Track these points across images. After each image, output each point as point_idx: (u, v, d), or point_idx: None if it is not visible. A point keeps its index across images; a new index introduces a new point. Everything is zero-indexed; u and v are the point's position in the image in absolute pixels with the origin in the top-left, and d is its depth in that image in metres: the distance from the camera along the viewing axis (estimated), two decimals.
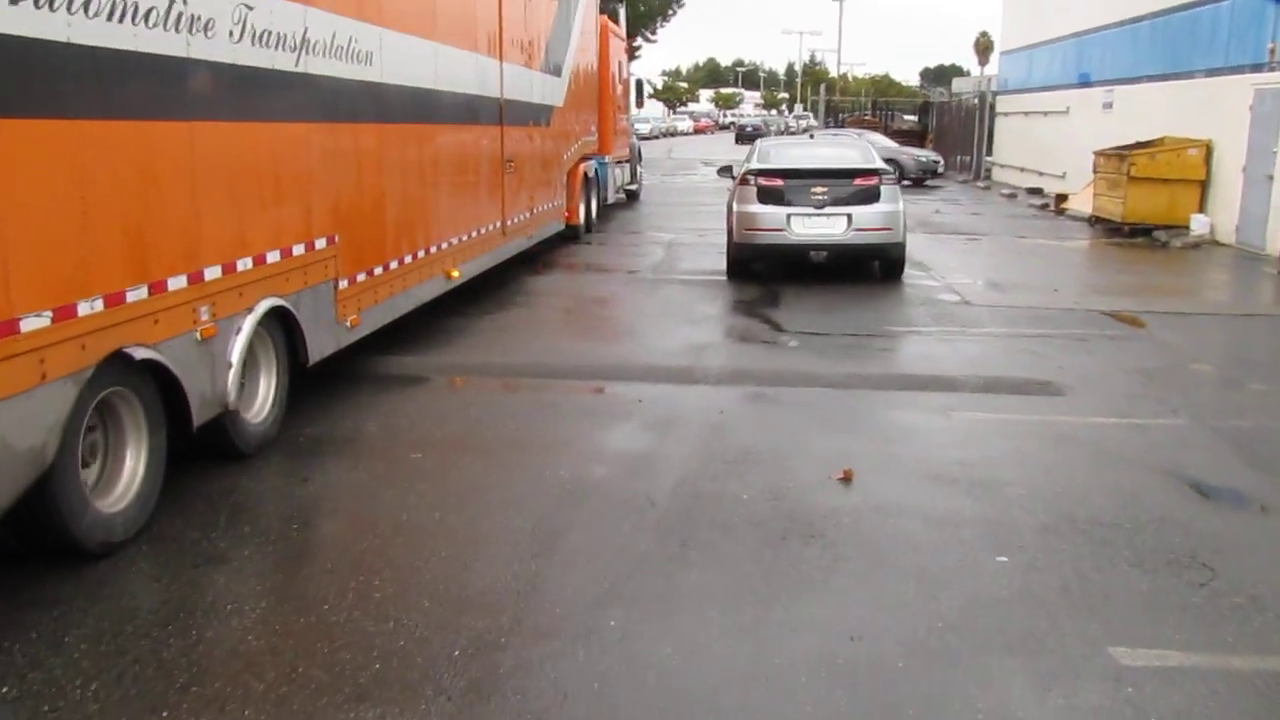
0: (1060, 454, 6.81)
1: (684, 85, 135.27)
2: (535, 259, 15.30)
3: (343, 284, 7.93)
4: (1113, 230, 19.68)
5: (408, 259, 9.32)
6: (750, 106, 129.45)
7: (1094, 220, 20.84)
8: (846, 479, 6.22)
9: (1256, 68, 17.57)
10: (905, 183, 31.06)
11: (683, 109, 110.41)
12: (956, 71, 76.80)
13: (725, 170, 16.61)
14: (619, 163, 23.10)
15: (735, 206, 13.67)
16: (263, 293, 6.69)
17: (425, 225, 9.81)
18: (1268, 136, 16.93)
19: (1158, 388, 8.50)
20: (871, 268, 14.12)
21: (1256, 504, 6.01)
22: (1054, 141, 27.72)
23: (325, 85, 7.56)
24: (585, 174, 18.37)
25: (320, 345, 7.60)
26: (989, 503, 5.90)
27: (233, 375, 6.31)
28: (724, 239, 14.65)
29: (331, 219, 7.71)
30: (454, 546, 5.35)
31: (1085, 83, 26.13)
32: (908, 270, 14.05)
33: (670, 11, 61.06)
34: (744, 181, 13.68)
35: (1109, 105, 24.28)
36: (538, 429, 7.36)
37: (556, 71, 15.71)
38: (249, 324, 6.48)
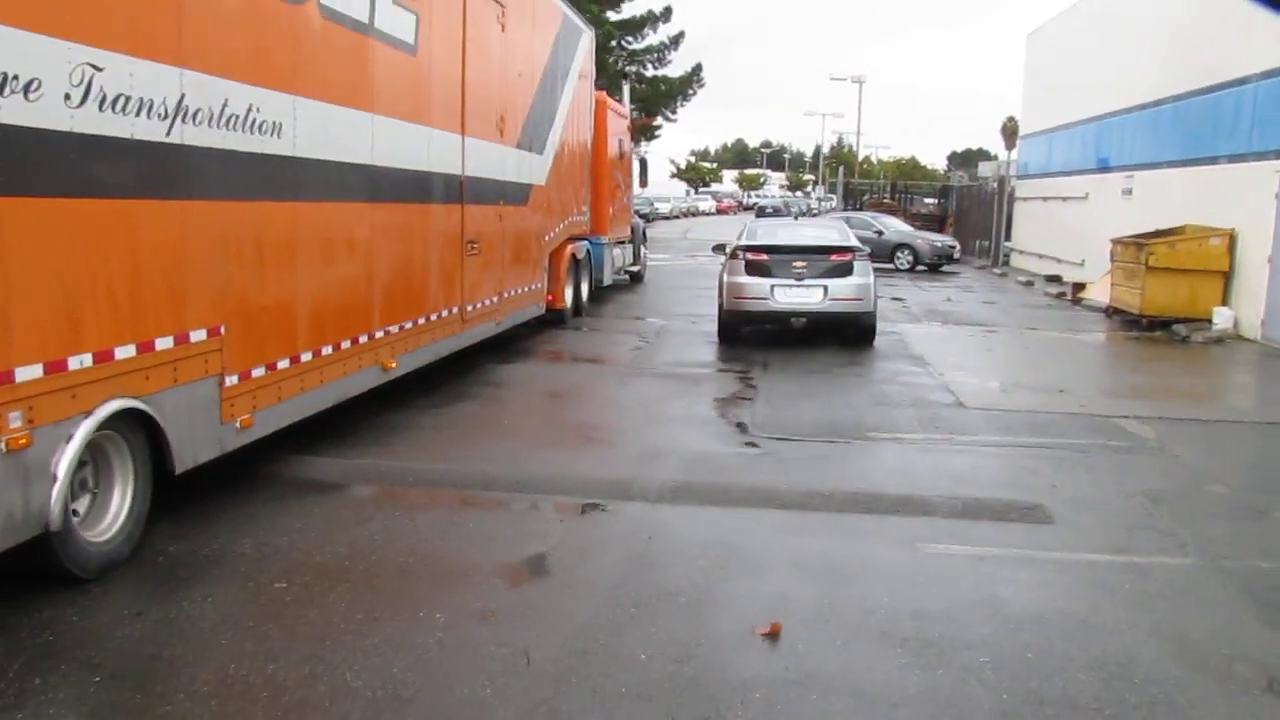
0: (1039, 604, 5.70)
1: (708, 165, 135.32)
2: (509, 345, 14.38)
3: (230, 380, 6.99)
4: (1130, 323, 18.60)
5: (326, 350, 8.38)
6: (775, 188, 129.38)
7: (1111, 312, 19.77)
8: (773, 634, 5.15)
9: None
10: (920, 268, 30.41)
11: (705, 189, 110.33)
12: (984, 155, 76.40)
13: (719, 248, 17.45)
14: (618, 243, 22.30)
15: (726, 278, 15.18)
16: (109, 393, 5.75)
17: (352, 312, 8.88)
18: None
19: (1164, 515, 7.39)
20: (861, 358, 13.17)
21: (1273, 682, 4.88)
22: (1072, 228, 26.77)
23: (209, 159, 6.66)
24: (574, 256, 17.50)
25: (195, 451, 6.64)
26: (942, 673, 4.80)
27: (56, 491, 5.35)
28: (714, 325, 15.91)
29: (215, 308, 6.78)
30: (272, 713, 4.32)
31: (1105, 168, 25.23)
32: (902, 366, 13.31)
33: (691, 91, 60.75)
34: (734, 256, 15.19)
35: (1129, 191, 23.33)
36: (434, 555, 6.34)
37: (538, 148, 14.90)
38: (83, 430, 5.52)
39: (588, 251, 18.96)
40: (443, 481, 7.98)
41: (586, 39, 18.36)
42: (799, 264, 14.64)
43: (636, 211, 55.67)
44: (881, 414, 10.59)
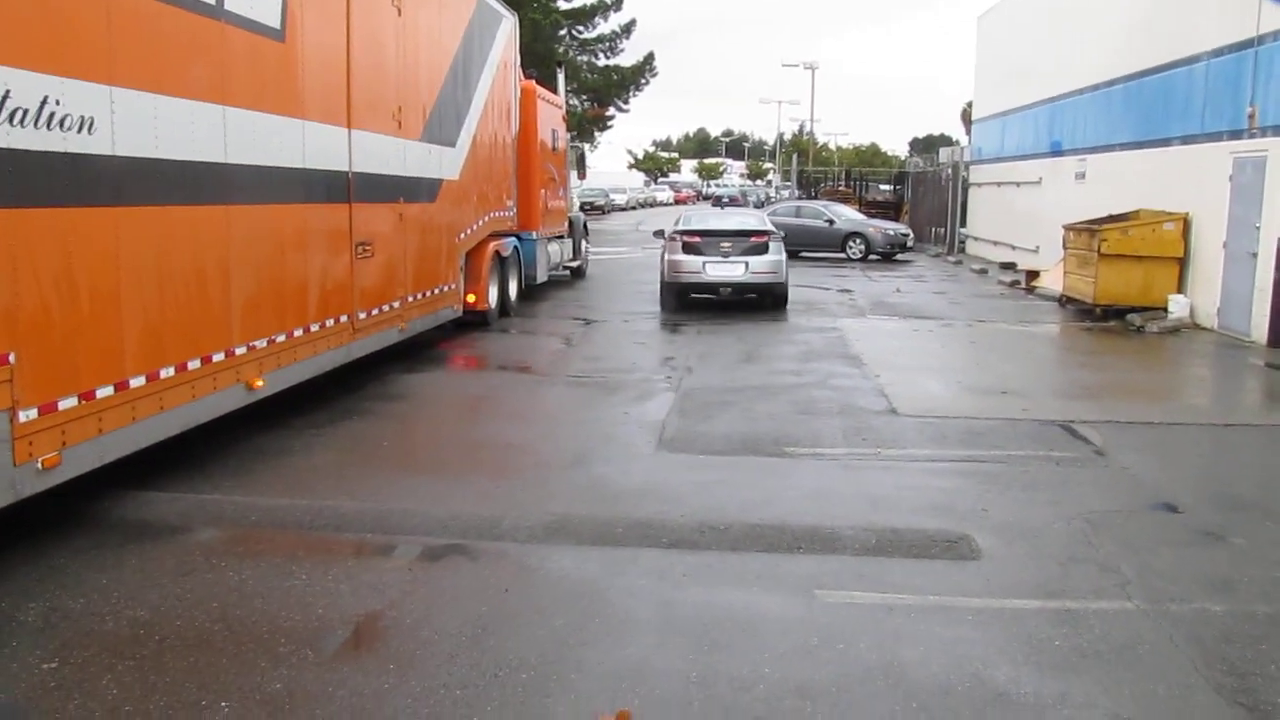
0: (949, 672, 4.78)
1: (666, 155, 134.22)
2: (421, 351, 13.42)
3: (26, 415, 5.97)
4: (1084, 312, 17.82)
5: (166, 372, 7.36)
6: (735, 176, 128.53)
7: (1064, 300, 18.99)
8: None
9: (1235, 134, 15.83)
10: (873, 257, 29.62)
11: (664, 179, 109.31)
12: (945, 141, 75.94)
13: (659, 233, 20.34)
14: (553, 238, 21.33)
15: (667, 257, 18.34)
16: None
17: (201, 328, 7.86)
18: (1250, 209, 15.14)
19: (1106, 544, 6.51)
20: (793, 361, 12.27)
21: None
22: (1026, 213, 26.04)
23: None
24: (497, 253, 16.50)
25: None
26: None
27: None
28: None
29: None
30: None
31: (1058, 151, 24.50)
32: (836, 368, 12.62)
33: (644, 80, 59.69)
34: (673, 239, 18.34)
35: (1082, 175, 22.58)
36: (247, 619, 5.36)
37: (447, 141, 13.90)
38: None
39: (515, 248, 18.00)
40: (291, 521, 7.00)
41: (508, 24, 17.38)
42: (725, 244, 17.92)
43: (589, 203, 55.16)
44: (804, 425, 9.68)
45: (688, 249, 17.93)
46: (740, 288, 18.24)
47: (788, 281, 18.62)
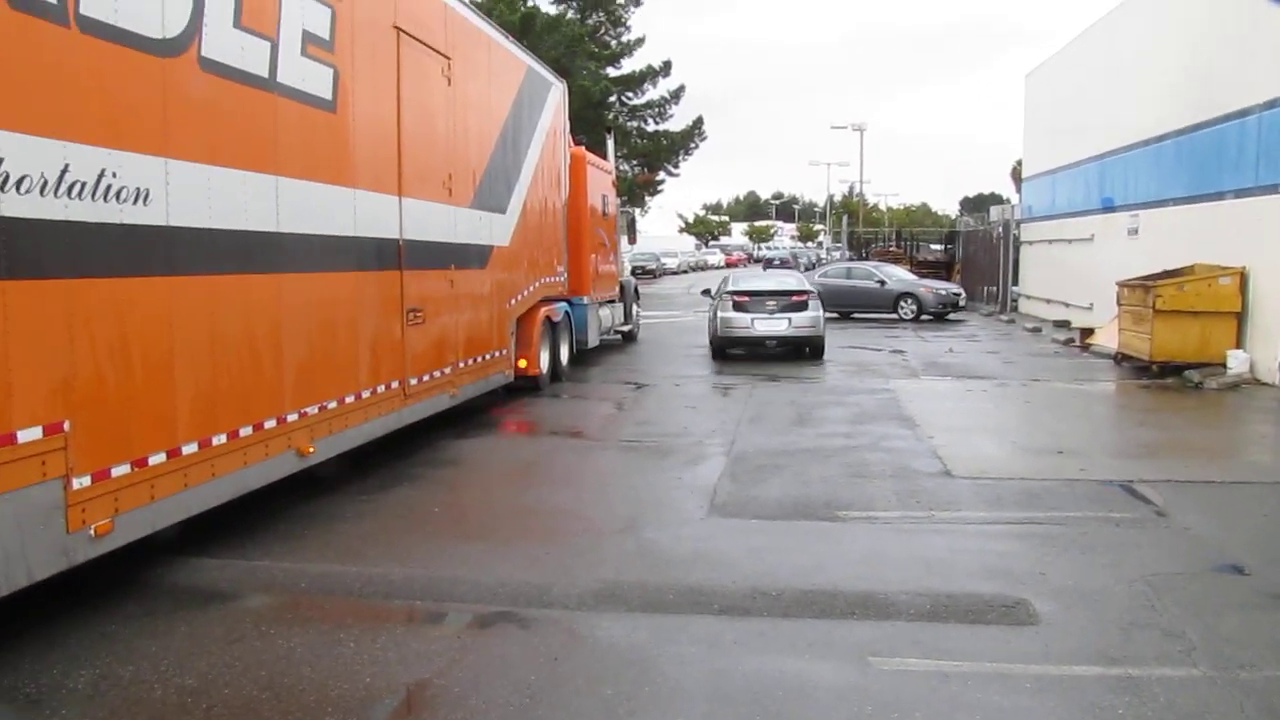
0: None
1: (717, 219, 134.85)
2: (472, 416, 13.46)
3: (80, 482, 6.04)
4: (1140, 369, 17.54)
5: (218, 439, 7.42)
6: (786, 238, 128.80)
7: (1120, 358, 18.71)
8: None
9: None
10: (925, 317, 29.41)
11: (715, 243, 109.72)
12: (996, 200, 75.75)
13: (706, 292, 23.90)
14: (604, 303, 21.37)
15: (719, 314, 20.75)
16: None
17: (254, 395, 7.94)
18: None
19: (1169, 608, 6.33)
20: (846, 424, 12.17)
21: None
22: (1079, 271, 25.79)
23: (41, 232, 5.76)
24: (548, 318, 16.54)
25: (27, 568, 5.67)
26: None
27: None
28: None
29: (54, 401, 5.86)
30: None
31: (1109, 208, 24.30)
32: (890, 430, 12.51)
33: (693, 145, 60.21)
34: (723, 298, 20.86)
35: (1134, 231, 22.36)
36: (295, 687, 5.33)
37: (498, 208, 14.03)
38: None
39: (566, 313, 18.03)
40: (341, 588, 6.99)
41: (557, 92, 17.57)
42: (770, 303, 20.42)
43: (640, 268, 55.38)
44: (857, 488, 9.56)
45: (737, 307, 20.43)
46: (784, 340, 20.58)
47: (825, 334, 20.94)
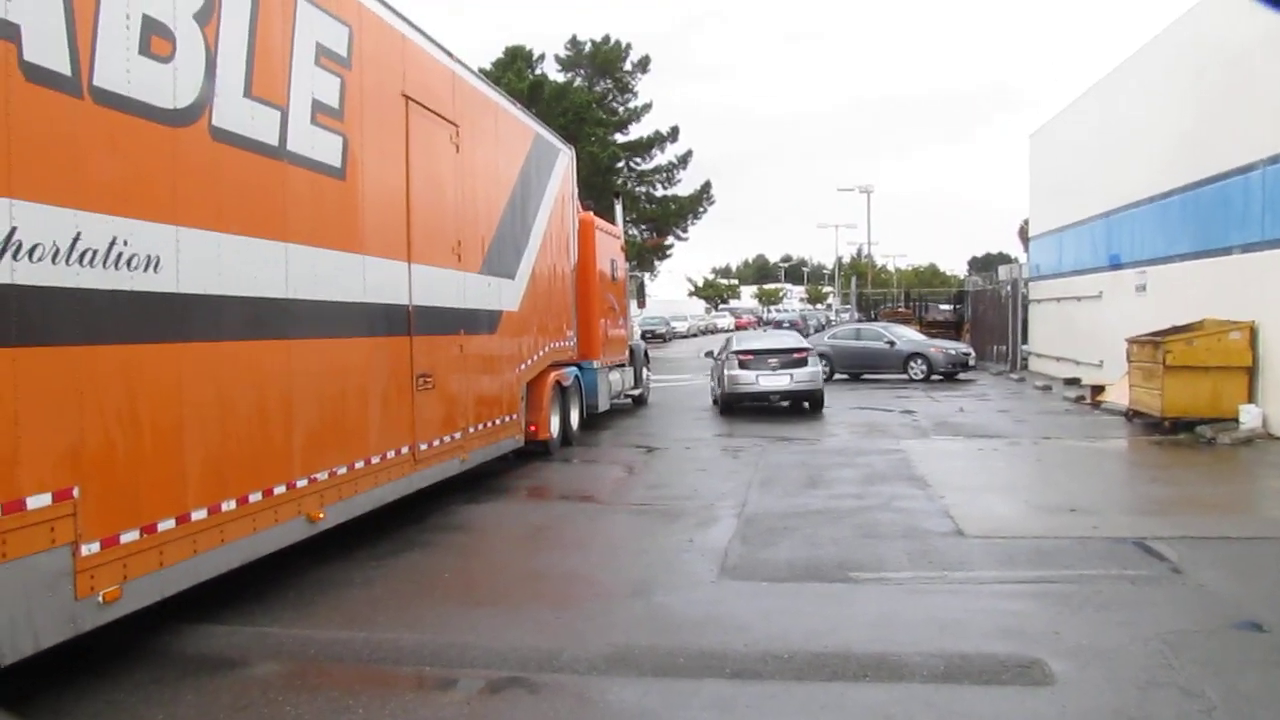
0: None
1: (726, 282, 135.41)
2: (482, 481, 13.43)
3: (88, 548, 6.03)
4: (1152, 426, 17.47)
5: (228, 505, 7.42)
6: (795, 301, 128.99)
7: (1131, 414, 18.64)
8: None
9: None
10: (935, 377, 29.37)
11: (724, 305, 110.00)
12: (1003, 259, 75.96)
13: (709, 354, 26.09)
14: (614, 367, 21.36)
15: (725, 371, 22.13)
16: None
17: (263, 460, 7.94)
18: None
19: (1187, 666, 6.25)
20: (855, 484, 12.15)
21: None
22: (1088, 328, 25.80)
23: (53, 299, 5.82)
24: (558, 383, 16.56)
25: (34, 635, 5.65)
26: None
27: None
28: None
29: (63, 467, 5.87)
30: None
31: (1116, 264, 24.36)
32: (900, 490, 12.46)
33: (701, 209, 60.84)
34: (729, 357, 22.28)
35: (1142, 288, 22.40)
36: None
37: (507, 273, 14.11)
38: None
39: (576, 378, 18.03)
40: (350, 654, 6.96)
41: (565, 158, 17.74)
42: (773, 360, 21.83)
43: (649, 331, 55.48)
44: (869, 549, 9.49)
45: (743, 365, 21.84)
46: (787, 395, 22.23)
47: (824, 389, 22.79)
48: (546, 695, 6.12)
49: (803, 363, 21.86)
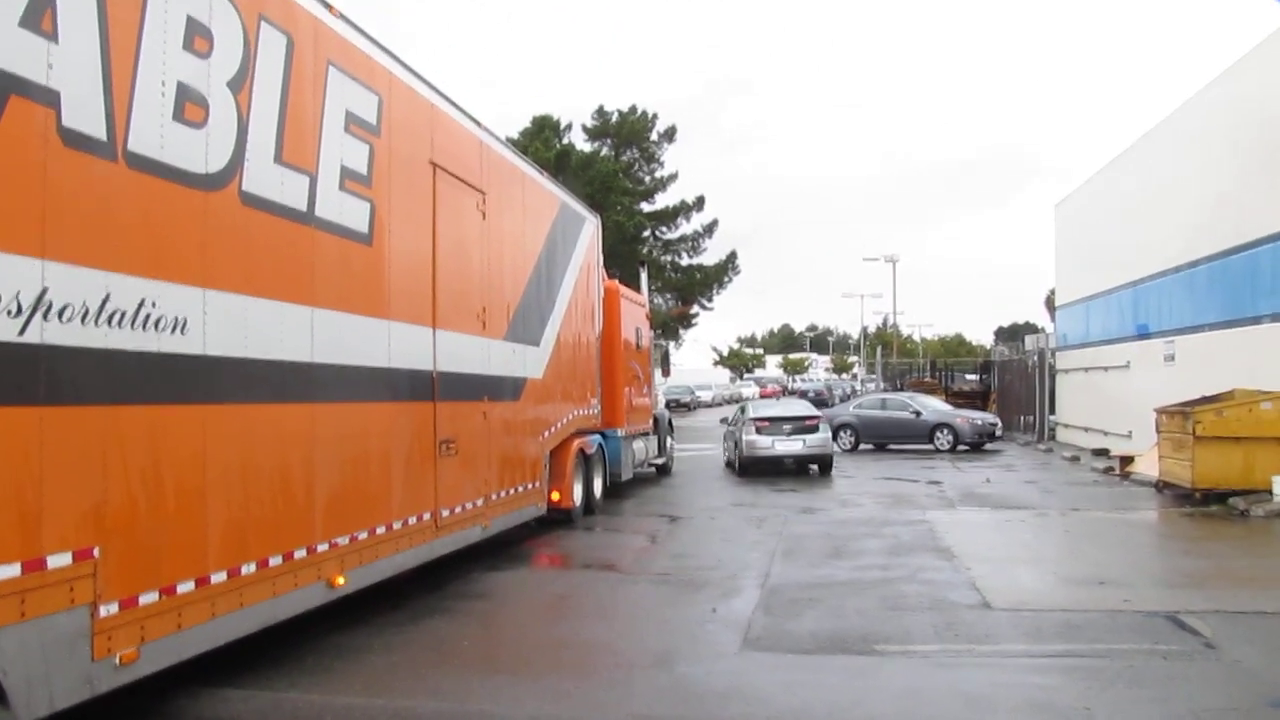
0: None
1: (750, 352, 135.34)
2: (505, 549, 13.36)
3: (107, 609, 6.01)
4: (1183, 497, 17.25)
5: (248, 568, 7.39)
6: (821, 370, 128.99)
7: (1161, 486, 18.42)
8: None
9: None
10: (961, 448, 29.15)
11: (749, 375, 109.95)
12: (1030, 329, 75.67)
13: (724, 420, 29.59)
14: (638, 435, 21.28)
15: (743, 437, 24.19)
16: None
17: (284, 524, 7.92)
18: None
19: None
20: (879, 556, 12.03)
21: None
22: (1116, 398, 25.64)
23: (81, 359, 5.86)
24: (581, 451, 16.50)
25: (49, 696, 5.61)
26: None
27: None
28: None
29: (85, 526, 5.88)
30: None
31: (1144, 334, 24.26)
32: (926, 561, 12.35)
33: (727, 278, 60.99)
34: (747, 424, 24.38)
35: (1171, 357, 22.27)
36: None
37: (532, 340, 14.15)
38: None
39: (599, 446, 17.98)
40: None
41: (591, 226, 17.84)
42: (787, 426, 24.08)
43: (674, 400, 55.40)
44: (894, 621, 9.35)
45: (759, 430, 24.08)
46: (800, 459, 24.38)
47: (834, 453, 25.33)
48: None
49: (814, 429, 24.14)
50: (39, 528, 5.54)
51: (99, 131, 6.00)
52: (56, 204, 5.67)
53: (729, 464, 25.89)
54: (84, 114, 5.87)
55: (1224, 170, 19.84)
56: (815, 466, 24.45)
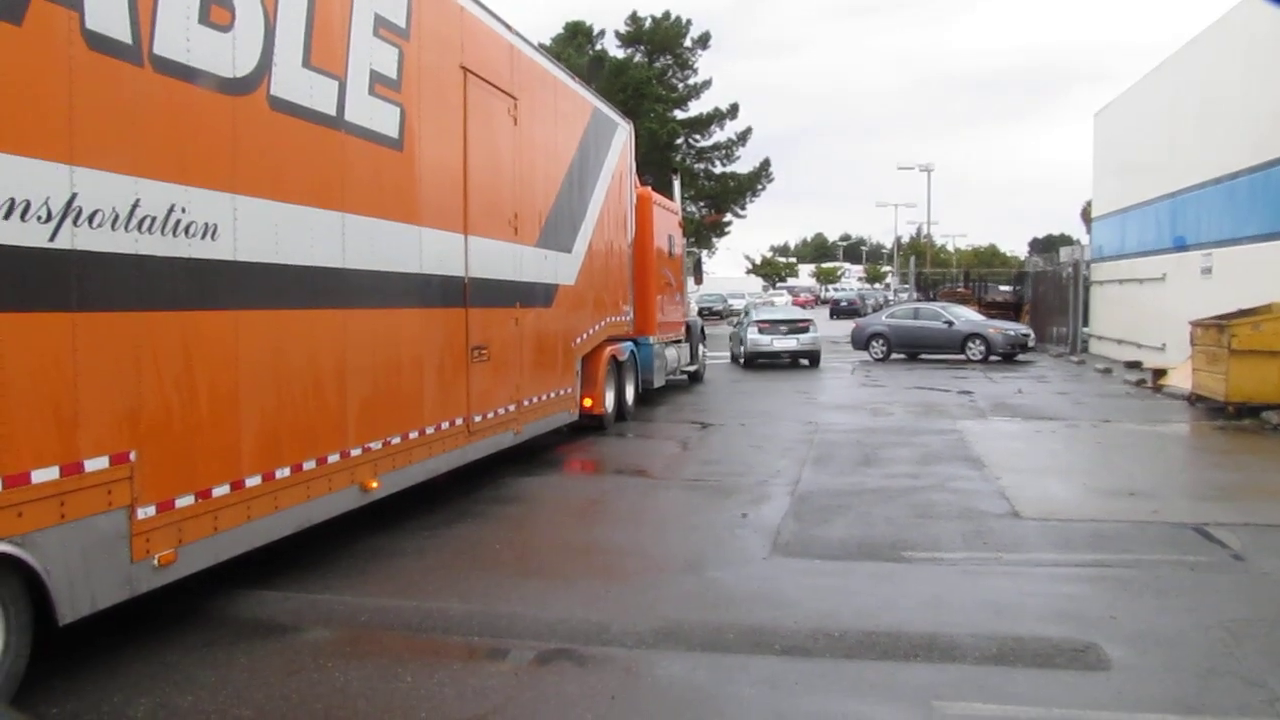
0: None
1: (783, 261, 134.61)
2: (537, 454, 13.48)
3: (145, 512, 6.12)
4: (1215, 411, 17.13)
5: (282, 472, 7.49)
6: (854, 280, 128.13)
7: (1194, 399, 18.29)
8: None
9: None
10: (994, 358, 29.02)
11: (782, 284, 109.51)
12: (1065, 241, 74.74)
13: (736, 323, 33.94)
14: (671, 343, 21.29)
15: (746, 336, 29.13)
16: None
17: (318, 429, 8.00)
18: None
19: (1249, 655, 6.10)
20: (909, 464, 12.07)
21: None
22: (1151, 311, 25.33)
23: (111, 265, 5.88)
24: (614, 358, 16.52)
25: (92, 596, 5.75)
26: None
27: None
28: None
29: (120, 431, 5.95)
30: None
31: (1181, 246, 23.87)
32: (957, 470, 12.33)
33: (760, 186, 60.36)
34: (750, 325, 29.38)
35: (1208, 270, 21.93)
36: None
37: (564, 247, 14.09)
38: None
39: (631, 353, 18.00)
40: (400, 622, 6.99)
41: (624, 133, 17.63)
42: (783, 327, 29.06)
43: (706, 309, 55.32)
44: (923, 529, 9.39)
45: (761, 330, 28.86)
46: (794, 354, 28.84)
47: (821, 349, 29.63)
48: (594, 668, 6.12)
49: (806, 330, 28.88)
50: (75, 432, 5.62)
51: (124, 34, 5.94)
52: (83, 109, 5.64)
53: (734, 358, 30.49)
54: (108, 16, 5.81)
55: (1271, 78, 19.31)
56: (806, 360, 28.91)
